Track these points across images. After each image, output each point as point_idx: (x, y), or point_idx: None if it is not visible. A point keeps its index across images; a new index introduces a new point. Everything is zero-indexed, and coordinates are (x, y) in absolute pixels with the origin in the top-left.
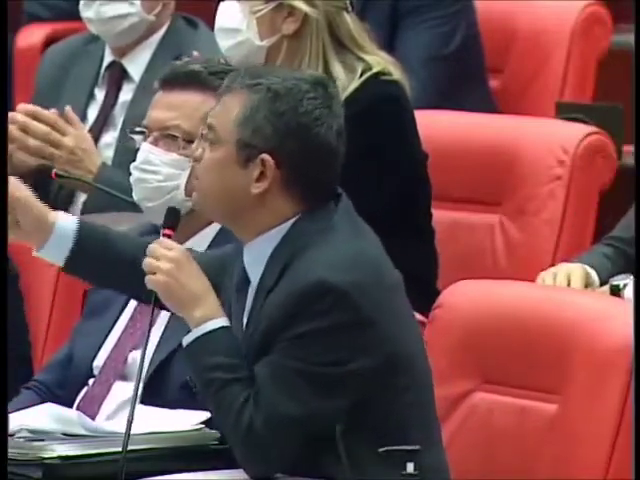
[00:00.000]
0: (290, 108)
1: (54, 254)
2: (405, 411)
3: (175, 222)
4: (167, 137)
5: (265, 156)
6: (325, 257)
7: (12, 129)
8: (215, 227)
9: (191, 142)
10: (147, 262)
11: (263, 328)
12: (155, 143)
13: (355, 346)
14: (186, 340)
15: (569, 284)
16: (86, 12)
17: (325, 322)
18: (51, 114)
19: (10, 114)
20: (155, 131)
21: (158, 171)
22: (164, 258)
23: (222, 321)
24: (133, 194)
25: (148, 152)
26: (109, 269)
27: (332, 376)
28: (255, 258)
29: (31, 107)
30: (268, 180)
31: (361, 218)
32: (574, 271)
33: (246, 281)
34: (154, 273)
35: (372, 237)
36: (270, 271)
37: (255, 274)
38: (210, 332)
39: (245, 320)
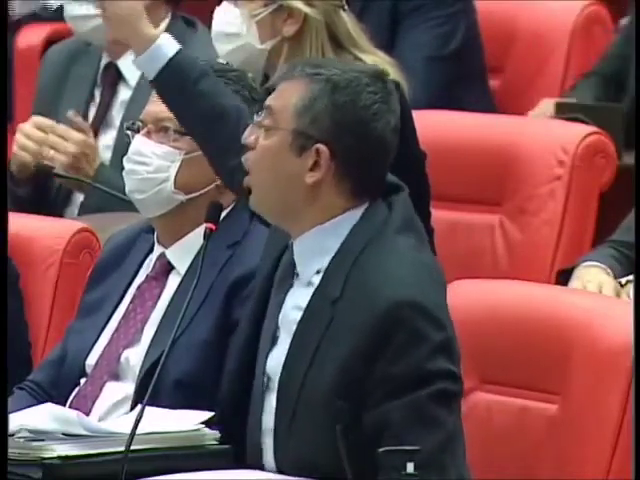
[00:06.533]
0: (349, 101)
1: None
2: None
3: (217, 216)
4: (160, 130)
5: (320, 146)
6: (395, 271)
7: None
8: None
9: (183, 135)
10: None
11: (351, 348)
12: (148, 136)
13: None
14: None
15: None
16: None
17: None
18: (48, 121)
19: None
20: (150, 124)
21: (148, 162)
22: None
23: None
24: (125, 187)
25: (139, 143)
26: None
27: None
28: (306, 252)
29: (34, 119)
30: (322, 170)
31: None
32: (605, 284)
33: (292, 274)
34: None
35: (424, 236)
36: (332, 276)
37: (306, 268)
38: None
39: (297, 316)
